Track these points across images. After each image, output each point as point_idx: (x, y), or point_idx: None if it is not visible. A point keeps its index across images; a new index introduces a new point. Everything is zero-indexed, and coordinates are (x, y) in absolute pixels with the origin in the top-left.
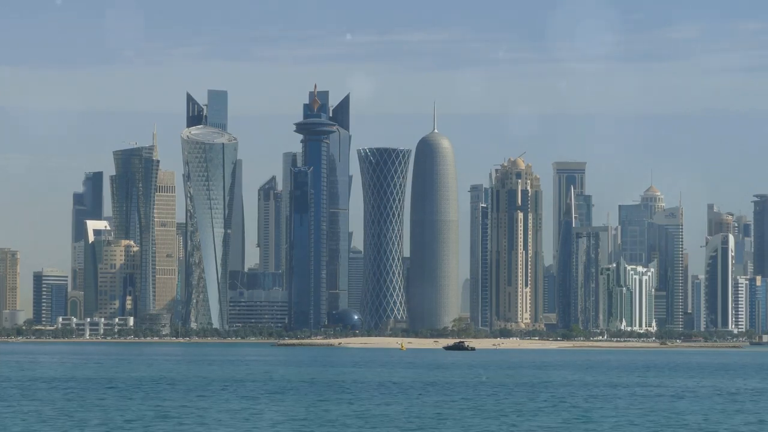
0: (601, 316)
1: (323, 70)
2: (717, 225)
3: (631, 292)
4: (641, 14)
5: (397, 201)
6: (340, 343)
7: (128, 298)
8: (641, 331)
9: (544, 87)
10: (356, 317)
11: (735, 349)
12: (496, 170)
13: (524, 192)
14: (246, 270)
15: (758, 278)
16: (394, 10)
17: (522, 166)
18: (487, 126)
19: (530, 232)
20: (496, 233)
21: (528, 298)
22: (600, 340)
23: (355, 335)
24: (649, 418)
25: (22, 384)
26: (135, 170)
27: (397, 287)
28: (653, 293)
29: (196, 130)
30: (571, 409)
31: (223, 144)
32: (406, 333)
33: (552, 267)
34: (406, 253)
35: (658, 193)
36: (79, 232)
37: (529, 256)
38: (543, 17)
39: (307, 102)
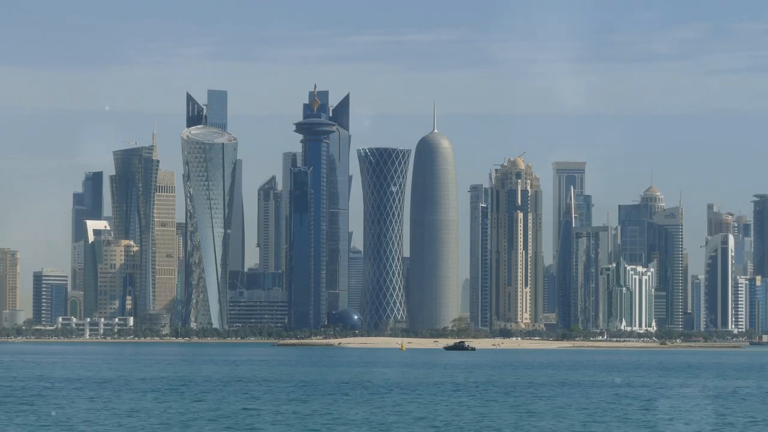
0: (601, 316)
1: (323, 70)
2: (717, 225)
3: (631, 292)
4: (642, 15)
5: (397, 201)
6: (339, 343)
7: (128, 298)
8: (641, 331)
9: (544, 87)
10: (356, 317)
11: (736, 349)
12: (496, 170)
13: (524, 192)
14: (246, 270)
15: (758, 278)
16: (394, 10)
17: (522, 166)
18: (487, 126)
19: (530, 232)
20: (496, 233)
21: (528, 298)
22: (600, 340)
23: (355, 335)
24: None
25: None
26: (135, 170)
27: (397, 287)
28: (653, 293)
29: (196, 130)
30: None
31: (223, 144)
32: (406, 333)
33: (552, 267)
34: (406, 253)
35: (658, 193)
36: (79, 232)
37: (529, 256)
38: (543, 17)
39: (307, 102)
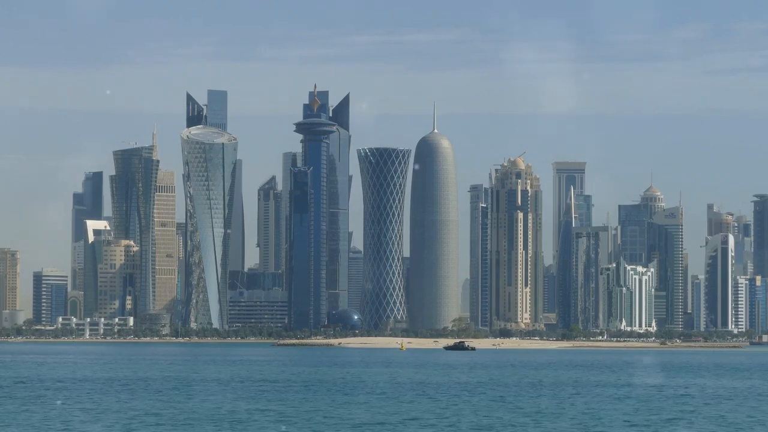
0: (601, 316)
1: (323, 70)
2: (717, 225)
3: (631, 292)
4: (642, 15)
5: (397, 201)
6: (339, 343)
7: (128, 298)
8: (641, 331)
9: (544, 87)
10: (356, 317)
11: (736, 349)
12: (496, 170)
13: (524, 192)
14: (246, 270)
15: (758, 278)
16: (394, 10)
17: (522, 166)
18: (487, 126)
19: (530, 232)
20: (496, 233)
21: (528, 298)
22: (600, 340)
23: (355, 335)
24: None
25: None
26: (135, 170)
27: (397, 287)
28: (653, 293)
29: (196, 130)
30: None
31: (223, 144)
32: (406, 333)
33: (552, 267)
34: (406, 253)
35: (658, 193)
36: (79, 232)
37: (529, 256)
38: (545, 17)
39: (307, 102)
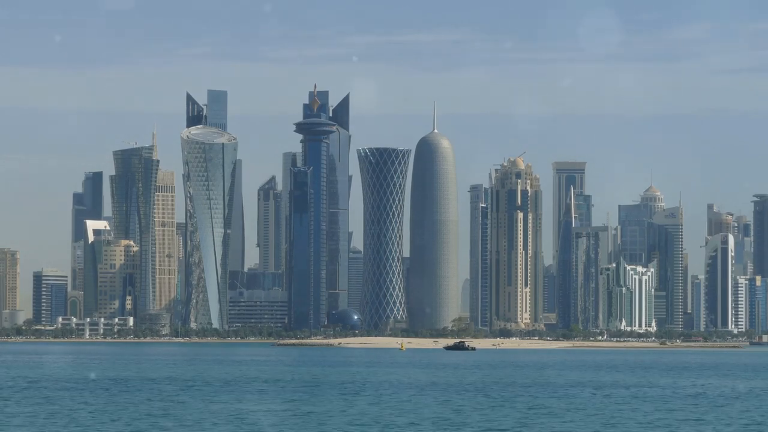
0: (600, 316)
1: (323, 70)
2: (717, 225)
3: (631, 292)
4: (645, 14)
5: (397, 201)
6: (339, 343)
7: (128, 298)
8: (641, 331)
9: (545, 87)
10: (356, 317)
11: (736, 349)
12: (496, 170)
13: (524, 192)
14: (246, 270)
15: (758, 278)
16: (394, 10)
17: (522, 166)
18: (487, 126)
19: (530, 232)
20: (496, 233)
21: (528, 298)
22: (600, 340)
23: (354, 335)
24: None
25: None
26: (135, 170)
27: (397, 287)
28: (653, 293)
29: (196, 130)
30: None
31: (222, 144)
32: (406, 333)
33: (552, 267)
34: (406, 253)
35: (658, 193)
36: (79, 232)
37: (529, 256)
38: (545, 17)
39: (307, 102)
